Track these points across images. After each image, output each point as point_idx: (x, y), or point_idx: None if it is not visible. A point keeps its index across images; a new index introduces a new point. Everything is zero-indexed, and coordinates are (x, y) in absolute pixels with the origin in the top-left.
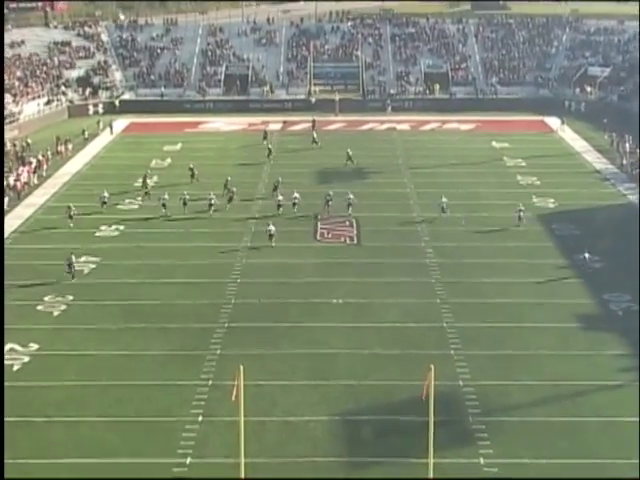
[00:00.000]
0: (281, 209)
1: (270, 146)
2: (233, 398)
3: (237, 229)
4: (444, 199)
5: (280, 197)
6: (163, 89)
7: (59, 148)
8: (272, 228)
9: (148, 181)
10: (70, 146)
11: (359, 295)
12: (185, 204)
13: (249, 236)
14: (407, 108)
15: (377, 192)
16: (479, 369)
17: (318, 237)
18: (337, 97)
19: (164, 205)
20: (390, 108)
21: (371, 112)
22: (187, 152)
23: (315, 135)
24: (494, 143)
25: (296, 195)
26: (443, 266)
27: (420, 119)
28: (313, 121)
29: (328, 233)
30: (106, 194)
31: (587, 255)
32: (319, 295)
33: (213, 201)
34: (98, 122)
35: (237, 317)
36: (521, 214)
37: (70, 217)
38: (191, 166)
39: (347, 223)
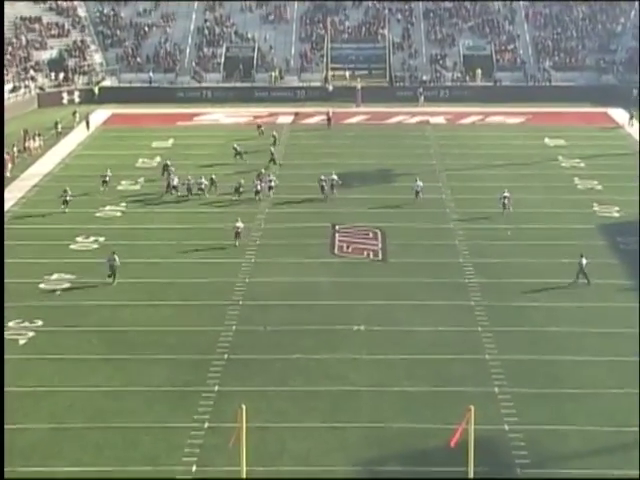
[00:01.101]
0: (259, 195)
1: (273, 149)
2: (230, 444)
3: (239, 241)
4: (487, 207)
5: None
6: (151, 74)
7: (27, 144)
8: (240, 225)
9: (171, 175)
10: (40, 142)
11: (385, 321)
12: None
13: (253, 250)
14: (443, 98)
15: (406, 198)
16: (528, 410)
17: (336, 251)
18: (359, 85)
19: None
20: (422, 98)
21: (400, 103)
22: (180, 149)
23: (272, 151)
24: (547, 140)
25: (272, 178)
26: (485, 287)
27: (458, 111)
28: (328, 115)
29: (348, 246)
30: (109, 173)
31: None
32: (337, 321)
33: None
34: (74, 113)
35: (239, 347)
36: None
37: (65, 202)
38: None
39: (370, 235)
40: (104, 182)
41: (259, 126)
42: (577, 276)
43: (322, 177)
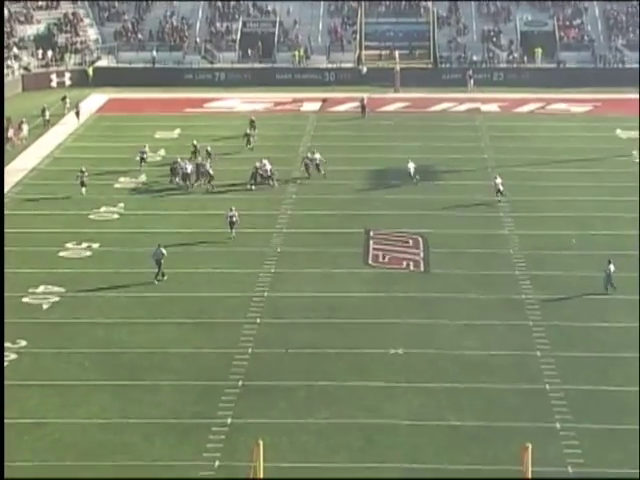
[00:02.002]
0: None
1: (250, 132)
2: None
3: (256, 248)
4: (548, 210)
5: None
6: (155, 53)
7: (9, 134)
8: (234, 214)
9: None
10: (25, 131)
11: (426, 343)
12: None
13: (273, 259)
14: (496, 82)
15: (452, 199)
16: (595, 450)
17: (370, 260)
18: (398, 66)
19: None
20: (472, 82)
21: (446, 87)
22: (188, 141)
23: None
24: (619, 132)
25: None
26: (545, 304)
27: (514, 97)
28: (362, 102)
29: (384, 256)
30: (146, 149)
31: None
32: (371, 342)
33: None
34: (63, 99)
35: (255, 372)
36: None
37: (82, 184)
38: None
39: (410, 242)
40: (142, 160)
41: (252, 121)
42: (606, 287)
43: (308, 155)
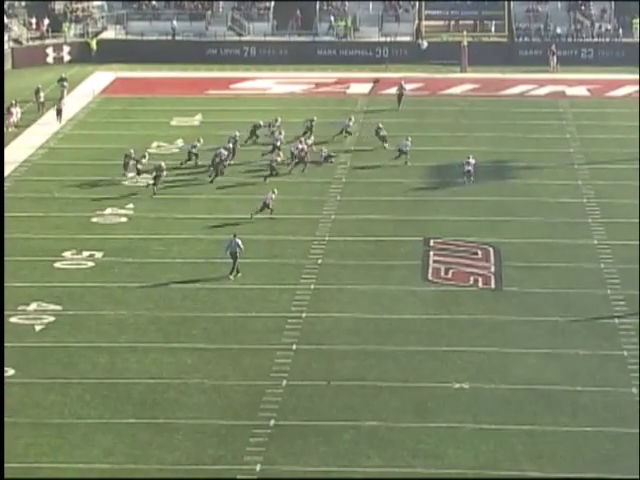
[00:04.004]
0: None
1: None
2: None
3: (292, 259)
4: None
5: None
6: (175, 23)
7: None
8: (270, 196)
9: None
10: (16, 116)
11: (498, 376)
12: None
13: (312, 273)
14: (585, 60)
15: (530, 202)
16: None
17: (430, 275)
18: (465, 40)
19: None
20: (556, 59)
21: (524, 66)
22: (211, 129)
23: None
24: None
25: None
26: None
27: (607, 79)
28: (400, 90)
29: (447, 270)
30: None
31: None
32: (431, 375)
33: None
34: (61, 81)
35: (290, 409)
36: None
37: (126, 165)
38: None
39: (479, 253)
40: (194, 156)
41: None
42: None
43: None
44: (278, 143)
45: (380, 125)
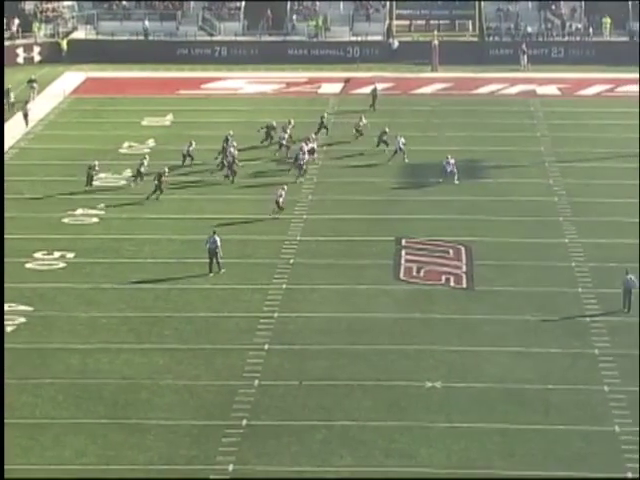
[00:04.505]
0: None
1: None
2: None
3: (264, 259)
4: (618, 214)
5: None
6: (147, 23)
7: None
8: (282, 193)
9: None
10: None
11: (470, 375)
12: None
13: (284, 272)
14: (555, 59)
15: (502, 201)
16: None
17: (402, 275)
18: (436, 40)
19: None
20: (526, 58)
21: (494, 65)
22: (182, 129)
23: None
24: None
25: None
26: (614, 328)
27: (577, 77)
28: (374, 92)
29: (419, 269)
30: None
31: None
32: (403, 374)
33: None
34: (30, 82)
35: (263, 409)
36: None
37: (139, 174)
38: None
39: (451, 252)
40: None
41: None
42: (624, 304)
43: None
44: (283, 142)
45: (386, 130)
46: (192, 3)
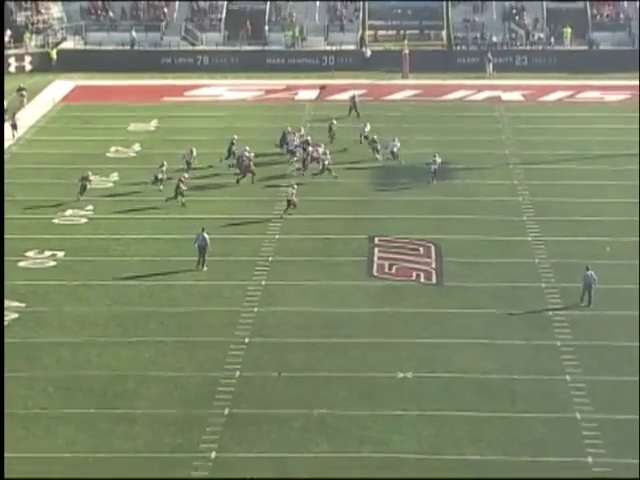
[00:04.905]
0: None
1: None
2: None
3: (244, 257)
4: (579, 214)
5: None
6: (134, 34)
7: None
8: (294, 192)
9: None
10: None
11: (439, 366)
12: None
13: (263, 269)
14: (519, 67)
15: (469, 201)
16: None
17: (375, 271)
18: (407, 49)
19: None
20: (492, 66)
21: (461, 73)
22: (166, 134)
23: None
24: None
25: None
26: (576, 321)
27: (540, 84)
28: (353, 100)
29: (391, 266)
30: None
31: None
32: (376, 365)
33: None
34: (20, 91)
35: (244, 399)
36: None
37: (158, 180)
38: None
39: (421, 250)
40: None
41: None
42: (582, 297)
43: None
44: (292, 147)
45: (375, 138)
46: (175, 15)
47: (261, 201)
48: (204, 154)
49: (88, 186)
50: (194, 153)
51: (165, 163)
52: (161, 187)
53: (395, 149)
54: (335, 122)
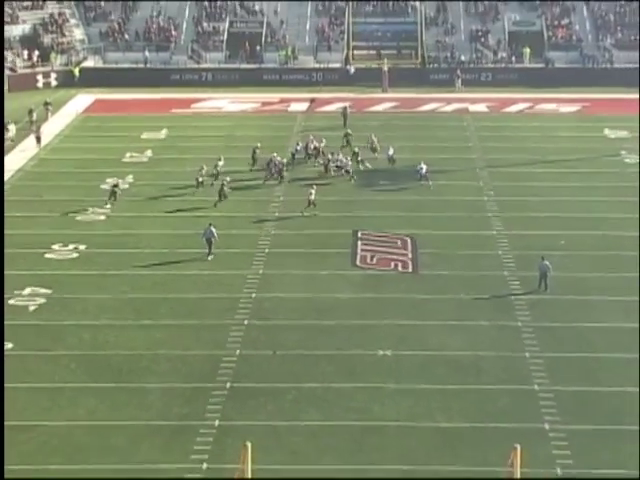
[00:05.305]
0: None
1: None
2: None
3: (243, 249)
4: (537, 211)
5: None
6: (147, 54)
7: None
8: (312, 191)
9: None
10: (11, 132)
11: (415, 344)
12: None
13: (260, 260)
14: (484, 82)
15: (441, 200)
16: (584, 451)
17: (358, 262)
18: (386, 66)
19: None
20: (460, 82)
21: (434, 87)
22: (175, 142)
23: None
24: (607, 132)
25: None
26: (534, 304)
27: (503, 97)
28: (344, 112)
29: (372, 257)
30: (221, 162)
31: None
32: (360, 344)
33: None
34: (46, 104)
35: (243, 374)
36: None
37: (199, 184)
38: None
39: (399, 243)
40: (113, 193)
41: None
42: (539, 284)
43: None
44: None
45: (373, 138)
46: (183, 37)
47: (259, 201)
48: (209, 159)
49: (118, 192)
50: (222, 161)
51: (205, 167)
52: (200, 189)
53: (390, 153)
54: (350, 131)
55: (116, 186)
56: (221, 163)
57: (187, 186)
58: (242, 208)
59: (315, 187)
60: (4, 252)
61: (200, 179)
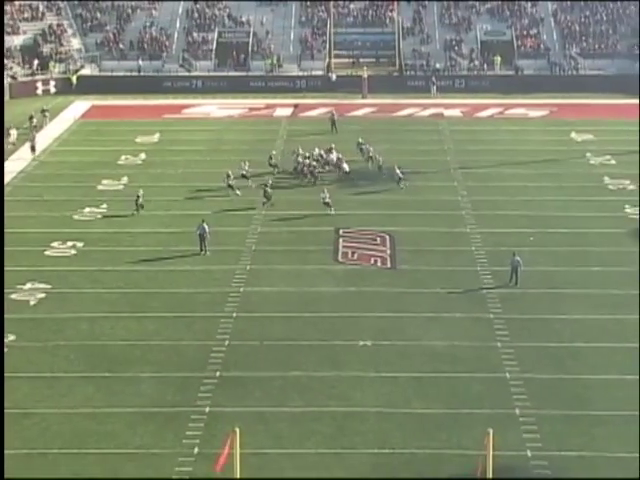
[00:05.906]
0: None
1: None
2: (218, 469)
3: (231, 246)
4: (508, 209)
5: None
6: (141, 62)
7: None
8: (326, 195)
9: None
10: (13, 137)
11: (393, 335)
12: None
13: (248, 256)
14: (458, 88)
15: (417, 200)
16: (553, 435)
17: (340, 257)
18: (365, 73)
19: (140, 206)
20: (435, 88)
21: (411, 93)
22: (167, 145)
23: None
24: (574, 135)
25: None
26: (505, 298)
27: (475, 103)
28: (332, 117)
29: (353, 253)
30: (246, 165)
31: None
32: (341, 335)
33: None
34: (43, 112)
35: (232, 364)
36: None
37: (230, 187)
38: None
39: (378, 240)
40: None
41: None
42: (510, 278)
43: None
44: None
45: (361, 140)
46: (174, 46)
47: (246, 200)
48: (201, 161)
49: (140, 201)
50: (247, 165)
51: (230, 173)
52: (238, 192)
53: (371, 154)
54: (361, 140)
55: (139, 197)
56: (246, 166)
57: (178, 187)
58: (231, 206)
59: (326, 190)
60: (4, 249)
61: (230, 183)
